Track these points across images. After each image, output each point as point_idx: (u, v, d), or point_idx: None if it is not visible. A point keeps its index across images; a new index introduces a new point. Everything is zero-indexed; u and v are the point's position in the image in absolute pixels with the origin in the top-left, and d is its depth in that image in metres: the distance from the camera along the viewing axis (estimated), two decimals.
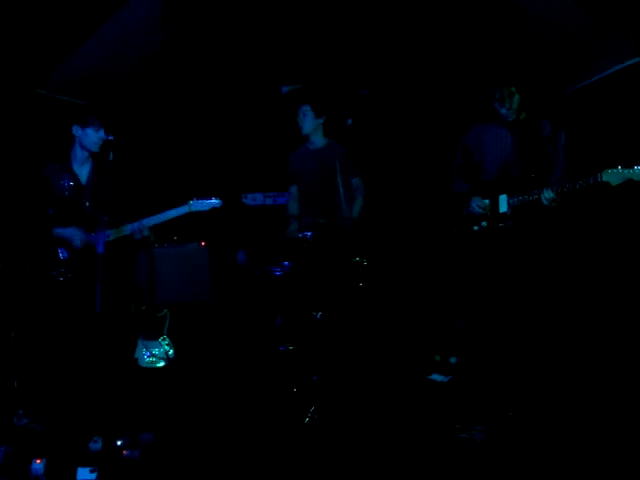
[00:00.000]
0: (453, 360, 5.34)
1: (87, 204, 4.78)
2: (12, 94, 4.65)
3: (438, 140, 6.21)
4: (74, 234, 4.64)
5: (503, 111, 4.79)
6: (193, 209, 4.86)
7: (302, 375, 4.83)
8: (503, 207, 4.75)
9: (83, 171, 4.79)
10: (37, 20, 4.29)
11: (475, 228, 4.90)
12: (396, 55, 6.24)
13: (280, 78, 5.99)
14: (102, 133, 4.59)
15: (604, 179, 4.09)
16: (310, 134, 5.75)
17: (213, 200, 4.88)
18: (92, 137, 4.64)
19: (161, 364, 5.25)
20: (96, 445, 3.91)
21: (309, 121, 5.68)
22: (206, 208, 4.88)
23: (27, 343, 4.53)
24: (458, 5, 5.41)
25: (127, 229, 4.75)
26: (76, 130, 4.65)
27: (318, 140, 5.78)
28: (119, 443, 3.91)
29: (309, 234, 5.07)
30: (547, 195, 4.45)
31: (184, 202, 4.84)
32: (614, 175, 4.08)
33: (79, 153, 4.74)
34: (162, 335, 5.35)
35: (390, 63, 6.31)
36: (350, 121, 5.32)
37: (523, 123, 4.83)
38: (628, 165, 4.07)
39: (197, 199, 4.83)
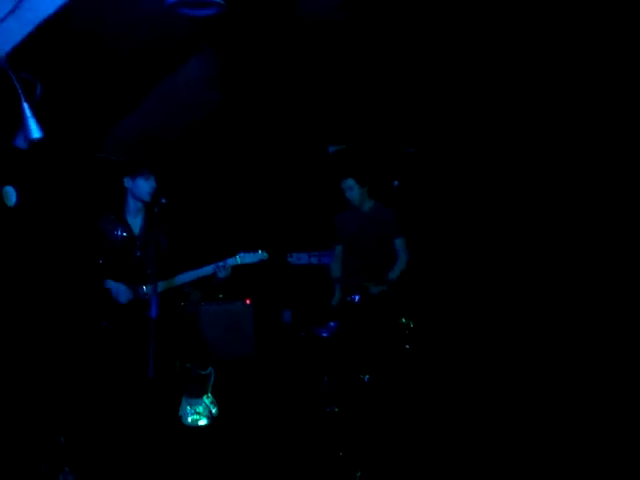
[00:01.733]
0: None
1: (138, 254, 4.85)
2: (72, 156, 4.84)
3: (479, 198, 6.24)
4: (121, 291, 4.70)
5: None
6: (241, 262, 4.89)
7: (348, 438, 4.75)
8: None
9: (136, 222, 4.87)
10: (91, 84, 4.50)
11: None
12: (441, 115, 6.32)
13: (327, 138, 6.15)
14: (153, 182, 4.69)
15: None
16: (359, 204, 5.78)
17: (260, 253, 4.93)
18: (143, 187, 4.71)
19: (204, 422, 5.23)
20: None
21: (356, 193, 5.70)
22: (254, 260, 4.89)
23: (76, 397, 4.57)
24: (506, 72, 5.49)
25: (178, 280, 4.82)
26: (127, 182, 4.75)
27: (366, 204, 5.80)
28: None
29: (356, 297, 5.07)
30: None
31: (232, 254, 4.90)
32: None
33: (132, 204, 4.82)
34: (206, 393, 5.34)
35: (435, 123, 6.38)
36: (397, 183, 5.37)
37: None
38: None
39: (245, 251, 4.88)
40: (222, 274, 4.83)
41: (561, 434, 4.53)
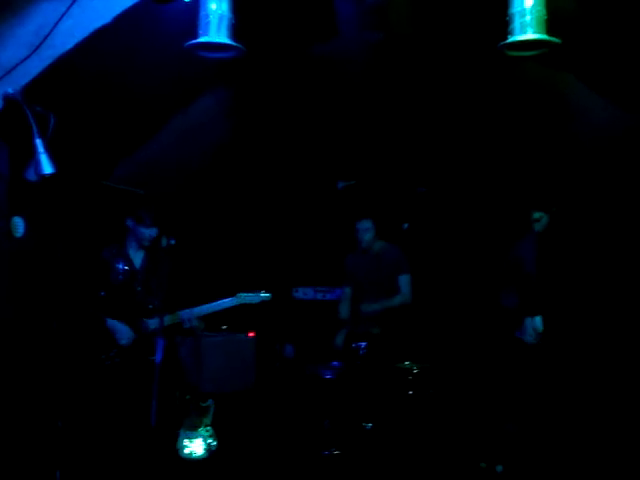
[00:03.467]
0: (499, 469, 5.13)
1: (139, 289, 4.84)
2: (79, 185, 4.83)
3: (484, 241, 6.22)
4: (122, 332, 4.68)
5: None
6: (243, 301, 4.89)
7: None
8: None
9: (138, 256, 4.88)
10: (108, 111, 4.50)
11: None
12: (452, 155, 6.32)
13: (337, 174, 6.14)
14: (153, 231, 4.71)
15: None
16: (370, 246, 5.74)
17: (262, 294, 4.90)
18: (144, 233, 4.74)
19: (202, 455, 5.18)
20: None
21: (369, 236, 5.66)
22: (256, 301, 4.89)
23: (73, 430, 4.52)
24: (510, 105, 5.49)
25: (184, 315, 4.79)
26: (129, 223, 4.78)
27: (376, 245, 5.75)
28: None
29: (363, 345, 5.03)
30: None
31: (234, 294, 4.88)
32: None
33: (133, 241, 4.85)
34: (206, 426, 5.29)
35: (446, 163, 6.38)
36: (407, 225, 5.35)
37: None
38: None
39: (247, 292, 4.86)
40: (191, 324, 4.82)
41: None
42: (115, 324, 4.69)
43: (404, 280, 5.69)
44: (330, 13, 3.96)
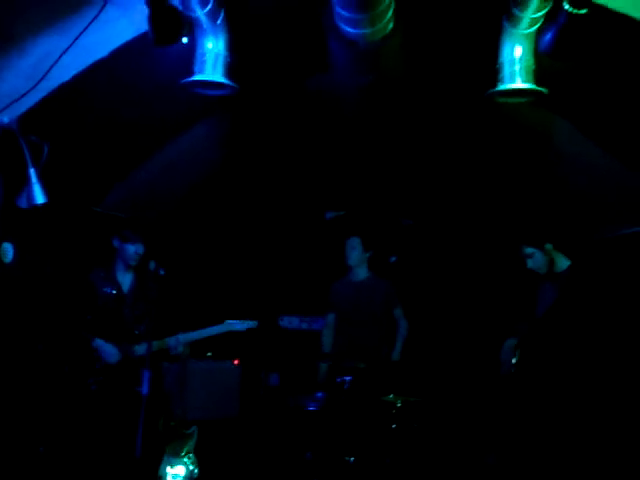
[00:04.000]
0: None
1: (126, 312, 4.83)
2: (67, 210, 4.85)
3: (471, 276, 6.26)
4: (110, 353, 4.66)
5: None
6: (230, 329, 4.91)
7: None
8: None
9: (126, 280, 4.87)
10: (101, 140, 4.54)
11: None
12: (439, 188, 6.39)
13: (325, 204, 6.19)
14: (140, 248, 4.73)
15: None
16: (355, 266, 5.78)
17: (249, 321, 4.94)
18: (130, 252, 4.74)
19: None
20: None
21: (357, 254, 5.71)
22: (242, 328, 4.92)
23: (56, 455, 4.51)
24: (498, 146, 5.57)
25: (170, 342, 4.80)
26: (116, 242, 4.78)
27: (362, 272, 5.80)
28: None
29: (347, 379, 5.06)
30: None
31: (221, 321, 4.90)
32: None
33: (121, 263, 4.84)
34: (189, 453, 5.28)
35: (433, 196, 6.45)
36: (394, 258, 5.39)
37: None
38: None
39: (233, 320, 4.89)
40: (177, 350, 4.85)
41: None
42: (102, 344, 4.66)
43: (399, 313, 5.76)
44: (322, 48, 4.03)
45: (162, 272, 4.31)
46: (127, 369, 4.66)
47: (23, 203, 3.57)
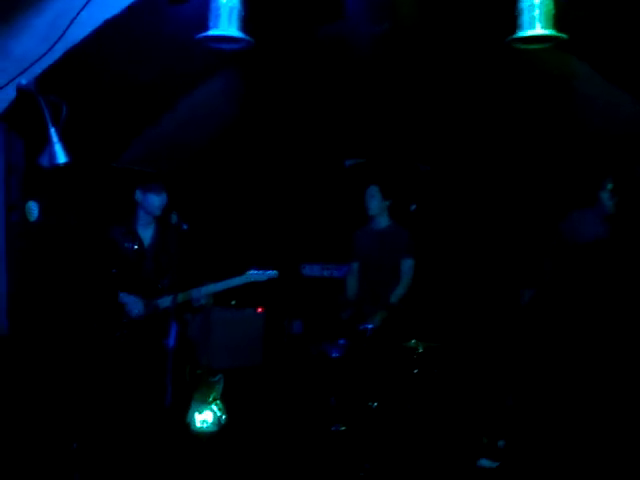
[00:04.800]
0: (501, 443, 5.25)
1: (148, 267, 4.87)
2: (88, 167, 4.88)
3: (489, 221, 6.25)
4: (134, 304, 4.73)
5: (609, 203, 4.94)
6: (251, 279, 4.93)
7: (353, 459, 4.83)
8: None
9: (147, 234, 4.88)
10: (117, 97, 4.53)
11: None
12: (457, 134, 6.33)
13: (344, 152, 6.16)
14: (164, 197, 4.73)
15: None
16: (376, 215, 5.76)
17: (270, 271, 4.97)
18: (154, 201, 4.73)
19: (213, 429, 5.32)
20: None
21: (376, 203, 5.68)
22: (263, 278, 4.93)
23: (87, 405, 4.64)
24: (523, 91, 5.50)
25: (194, 294, 4.86)
26: (138, 195, 4.76)
27: (383, 221, 5.78)
28: None
29: (369, 327, 5.12)
30: None
31: (242, 272, 4.95)
32: None
33: (143, 217, 4.84)
34: (216, 400, 5.42)
35: (451, 142, 6.40)
36: (414, 207, 5.37)
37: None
38: None
39: (255, 269, 4.93)
40: (200, 302, 4.90)
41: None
42: (125, 296, 4.73)
43: (407, 265, 5.71)
44: None
45: (185, 227, 4.33)
46: (153, 322, 4.74)
47: (45, 162, 3.59)
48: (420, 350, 5.16)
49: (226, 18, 3.42)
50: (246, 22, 3.49)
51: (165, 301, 4.75)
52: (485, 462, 4.94)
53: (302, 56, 5.03)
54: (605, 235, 4.96)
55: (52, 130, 3.35)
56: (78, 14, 3.29)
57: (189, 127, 5.56)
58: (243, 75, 5.29)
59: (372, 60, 4.95)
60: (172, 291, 4.31)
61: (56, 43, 3.40)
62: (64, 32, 3.36)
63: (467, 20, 4.07)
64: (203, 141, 5.93)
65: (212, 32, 3.42)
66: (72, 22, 3.33)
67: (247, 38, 3.42)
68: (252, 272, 4.92)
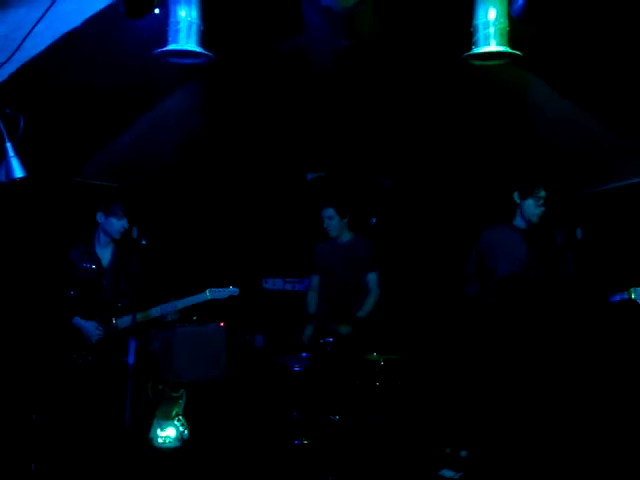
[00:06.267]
0: (463, 453, 5.29)
1: (107, 286, 4.86)
2: (48, 182, 4.82)
3: (451, 234, 6.31)
4: (92, 330, 4.71)
5: (535, 212, 4.94)
6: (210, 297, 4.97)
7: (316, 472, 4.83)
8: None
9: (106, 254, 4.88)
10: (77, 111, 4.50)
11: None
12: (418, 148, 6.39)
13: (306, 166, 6.18)
14: (125, 222, 4.73)
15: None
16: (337, 235, 5.78)
17: (231, 289, 4.99)
18: (114, 225, 4.74)
19: (175, 445, 5.27)
20: None
21: (335, 223, 5.71)
22: (224, 296, 4.98)
23: (46, 425, 4.57)
24: (481, 105, 5.59)
25: (154, 312, 4.84)
26: (100, 217, 4.77)
27: (345, 236, 5.81)
28: None
29: (330, 340, 5.14)
30: None
31: (203, 289, 4.95)
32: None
33: (102, 237, 4.84)
34: (178, 415, 5.38)
35: (412, 156, 6.46)
36: (374, 220, 5.41)
37: (537, 230, 4.98)
38: None
39: (215, 288, 4.94)
40: (172, 317, 4.90)
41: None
42: (81, 323, 4.73)
43: (373, 278, 5.75)
44: (296, 10, 4.00)
45: (144, 242, 4.32)
46: (112, 341, 4.73)
47: (2, 177, 3.54)
48: (382, 363, 5.20)
49: (185, 33, 3.42)
50: (205, 37, 3.50)
51: (124, 321, 4.76)
52: (448, 472, 4.99)
53: (262, 70, 5.05)
54: (523, 256, 5.00)
55: (8, 144, 3.32)
56: (34, 27, 3.24)
57: (150, 141, 5.53)
58: (204, 89, 5.29)
59: (333, 74, 4.99)
60: (132, 310, 4.31)
61: (11, 56, 3.35)
62: (19, 45, 3.31)
63: (425, 36, 4.14)
64: (165, 155, 5.91)
65: (171, 47, 3.43)
66: (28, 35, 3.29)
67: (206, 53, 3.44)
68: (212, 289, 4.94)
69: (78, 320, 4.73)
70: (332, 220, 5.71)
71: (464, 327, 5.50)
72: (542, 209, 4.91)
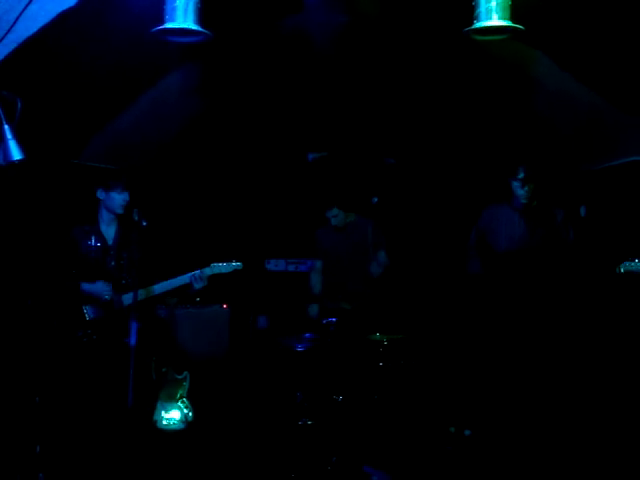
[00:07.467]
0: (467, 432, 5.30)
1: (112, 264, 4.84)
2: (48, 165, 4.80)
3: (453, 213, 6.28)
4: (103, 289, 4.70)
5: (520, 193, 4.93)
6: (215, 271, 4.92)
7: (320, 452, 4.84)
8: None
9: (110, 232, 4.86)
10: (75, 93, 4.46)
11: None
12: (420, 127, 6.35)
13: (307, 146, 6.14)
14: (126, 195, 4.69)
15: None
16: (343, 226, 5.81)
17: (234, 263, 4.96)
18: (116, 200, 4.70)
19: (180, 427, 5.29)
20: None
21: (341, 219, 5.75)
22: (228, 270, 4.94)
23: (51, 406, 4.58)
24: (483, 81, 5.54)
25: (156, 289, 4.83)
26: (100, 193, 4.73)
27: (347, 220, 5.82)
28: None
29: (333, 321, 5.13)
30: None
31: (206, 264, 4.92)
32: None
33: (105, 215, 4.82)
34: (182, 397, 5.39)
35: (414, 134, 6.42)
36: (376, 199, 5.39)
37: (536, 209, 4.99)
38: None
39: (219, 262, 4.91)
40: (199, 284, 4.86)
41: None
42: (89, 286, 4.70)
43: (382, 254, 5.74)
44: None
45: (144, 223, 4.29)
46: (114, 321, 4.71)
47: (0, 160, 3.51)
48: (385, 342, 5.19)
49: (182, 11, 3.37)
50: (204, 15, 3.45)
51: (129, 297, 4.71)
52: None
53: (263, 49, 5.01)
54: (521, 234, 5.03)
55: (6, 127, 3.29)
56: (26, 7, 3.19)
57: (150, 122, 5.49)
58: (204, 69, 5.24)
59: (333, 53, 4.95)
60: (134, 287, 4.28)
61: (4, 37, 3.30)
62: (12, 26, 3.26)
63: (426, 11, 4.09)
64: (165, 136, 5.87)
65: (168, 25, 3.38)
66: (20, 15, 3.23)
67: (204, 31, 3.39)
68: (216, 264, 4.91)
69: (86, 285, 4.71)
70: (337, 217, 5.74)
71: (467, 305, 5.50)
72: (526, 189, 4.96)
